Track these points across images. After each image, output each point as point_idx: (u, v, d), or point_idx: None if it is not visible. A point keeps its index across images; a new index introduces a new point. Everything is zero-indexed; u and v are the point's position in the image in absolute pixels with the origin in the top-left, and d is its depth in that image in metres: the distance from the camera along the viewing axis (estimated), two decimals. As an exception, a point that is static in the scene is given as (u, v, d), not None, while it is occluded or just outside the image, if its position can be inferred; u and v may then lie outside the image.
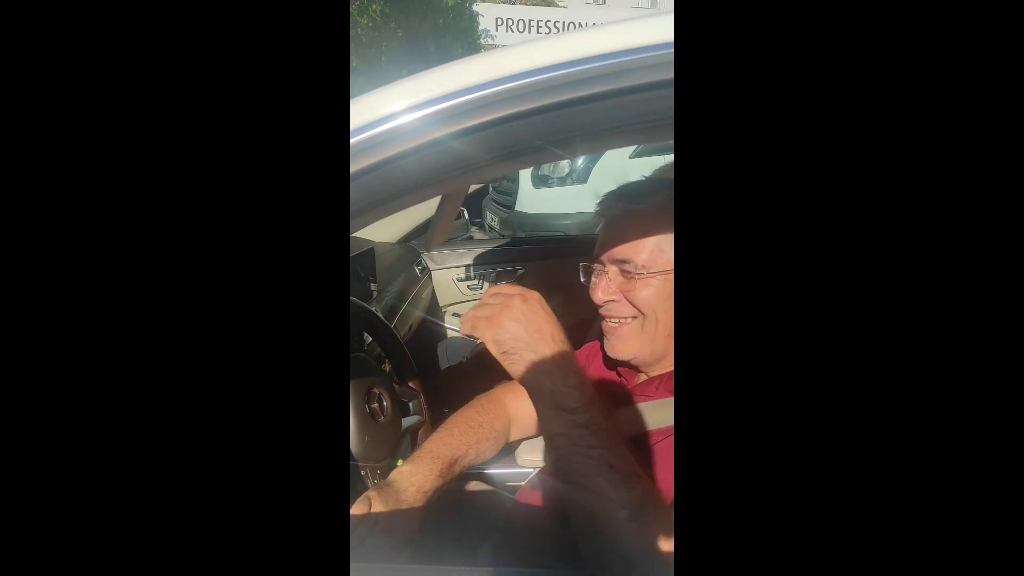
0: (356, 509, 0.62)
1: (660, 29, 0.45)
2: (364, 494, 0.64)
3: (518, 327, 0.57)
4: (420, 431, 0.92)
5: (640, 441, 0.70)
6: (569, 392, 0.54)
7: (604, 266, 0.74)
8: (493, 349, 0.58)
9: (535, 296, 0.59)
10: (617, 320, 0.74)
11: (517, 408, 0.91)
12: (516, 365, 0.57)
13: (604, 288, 0.73)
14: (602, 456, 0.52)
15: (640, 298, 0.70)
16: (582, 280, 0.79)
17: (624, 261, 0.71)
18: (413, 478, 0.69)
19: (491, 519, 0.80)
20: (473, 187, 2.59)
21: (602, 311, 0.75)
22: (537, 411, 0.57)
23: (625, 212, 0.73)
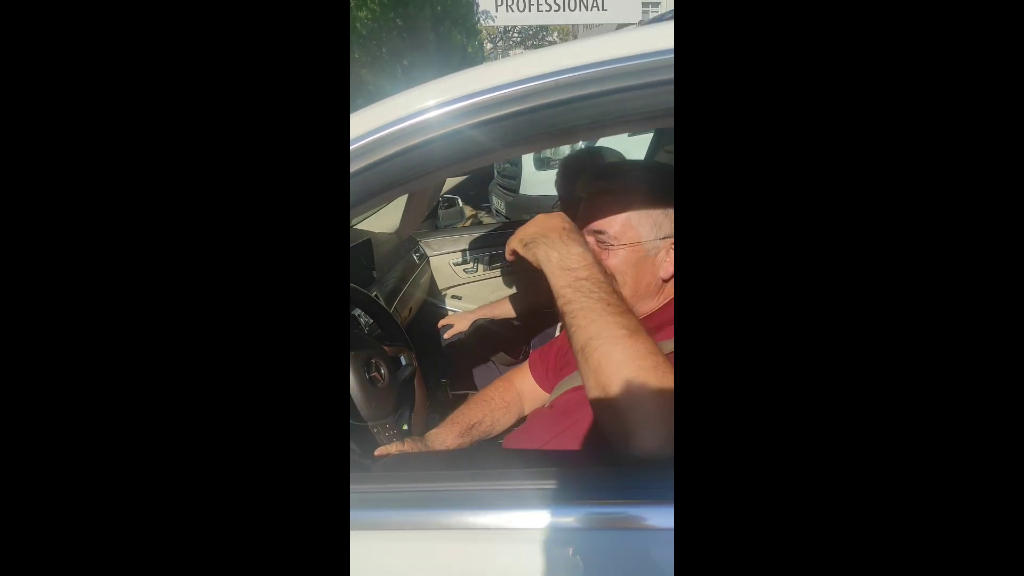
0: (394, 449, 0.87)
1: (647, 40, 0.54)
2: (402, 441, 0.90)
3: (535, 227, 0.73)
4: (415, 379, 1.09)
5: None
6: (572, 256, 0.67)
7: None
8: (518, 247, 0.72)
9: (557, 213, 0.74)
10: None
11: (523, 384, 1.09)
12: (532, 250, 0.70)
13: None
14: (601, 297, 0.63)
15: (612, 265, 0.83)
16: None
17: (600, 232, 0.85)
18: (437, 437, 0.96)
19: (482, 466, 0.91)
20: (458, 178, 2.68)
21: None
22: (549, 280, 0.68)
23: (602, 190, 0.86)
